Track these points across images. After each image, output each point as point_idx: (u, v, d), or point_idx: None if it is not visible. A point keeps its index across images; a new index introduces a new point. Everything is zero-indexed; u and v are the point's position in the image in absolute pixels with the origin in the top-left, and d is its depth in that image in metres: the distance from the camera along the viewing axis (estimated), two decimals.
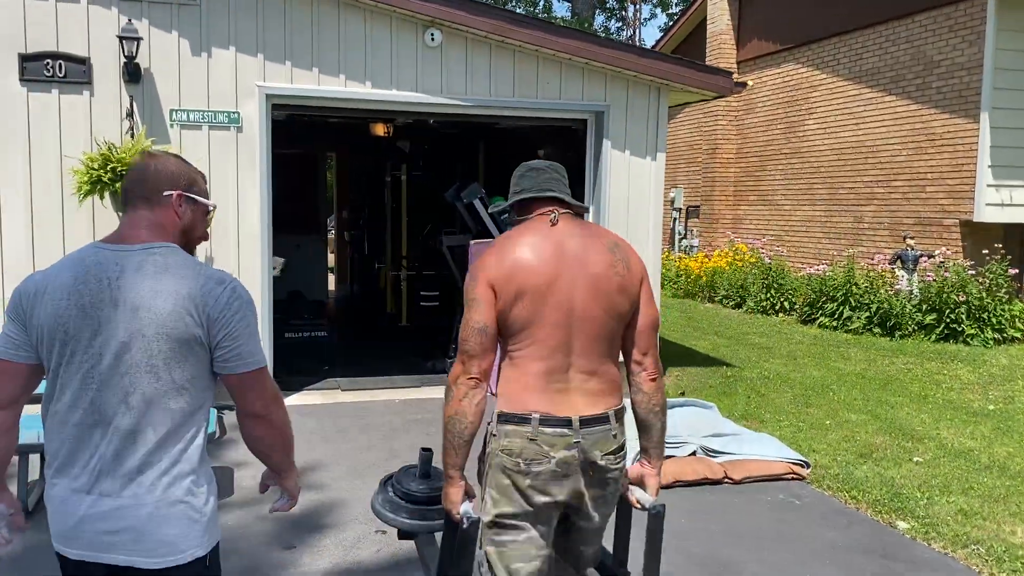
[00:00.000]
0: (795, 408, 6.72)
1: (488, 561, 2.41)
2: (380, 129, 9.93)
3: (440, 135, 10.33)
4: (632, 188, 7.35)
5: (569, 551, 2.56)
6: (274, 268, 7.02)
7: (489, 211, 7.38)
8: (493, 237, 7.60)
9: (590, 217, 7.46)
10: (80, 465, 1.88)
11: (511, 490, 2.35)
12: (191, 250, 2.03)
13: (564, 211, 2.43)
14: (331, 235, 14.09)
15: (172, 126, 6.25)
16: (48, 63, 5.93)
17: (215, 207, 2.17)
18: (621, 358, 2.47)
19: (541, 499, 2.35)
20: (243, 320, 1.90)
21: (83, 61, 5.99)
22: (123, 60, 5.99)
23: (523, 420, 2.32)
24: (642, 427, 2.48)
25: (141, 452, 1.86)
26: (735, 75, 12.74)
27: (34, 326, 1.89)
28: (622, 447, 2.43)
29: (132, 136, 6.08)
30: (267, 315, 6.55)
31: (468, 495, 2.39)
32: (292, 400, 6.69)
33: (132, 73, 6.02)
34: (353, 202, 13.00)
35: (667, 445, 3.28)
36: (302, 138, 9.79)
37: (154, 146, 6.05)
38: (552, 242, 2.36)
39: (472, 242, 7.24)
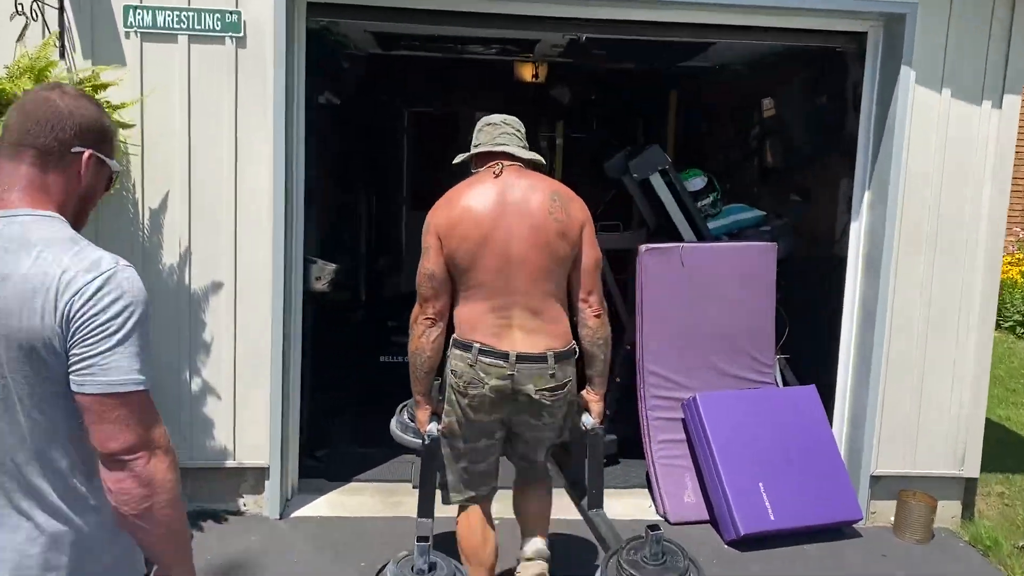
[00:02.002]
0: None
1: (445, 462, 2.81)
2: (526, 72, 6.98)
3: (614, 80, 7.22)
4: (950, 156, 3.97)
5: (516, 454, 2.94)
6: (317, 279, 4.29)
7: (676, 190, 4.30)
8: (682, 236, 4.46)
9: (864, 202, 4.15)
10: None
11: (456, 406, 2.73)
12: (83, 222, 1.55)
13: (511, 163, 2.72)
14: None
15: (127, 35, 3.62)
16: None
17: (119, 172, 1.62)
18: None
19: (478, 416, 2.72)
20: (113, 321, 1.35)
21: None
22: None
23: (467, 347, 2.66)
24: (587, 358, 2.79)
25: None
26: None
27: None
28: (563, 386, 2.71)
29: (61, 55, 3.52)
30: (280, 339, 3.85)
31: (435, 416, 2.82)
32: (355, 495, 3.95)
33: None
34: None
35: None
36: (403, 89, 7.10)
37: (99, 69, 3.46)
38: (494, 192, 2.65)
39: (644, 247, 4.19)
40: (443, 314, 2.69)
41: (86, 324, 1.34)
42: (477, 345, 2.64)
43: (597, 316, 2.74)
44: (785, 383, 4.49)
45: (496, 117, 2.85)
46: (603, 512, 2.87)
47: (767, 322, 4.33)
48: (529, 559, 2.90)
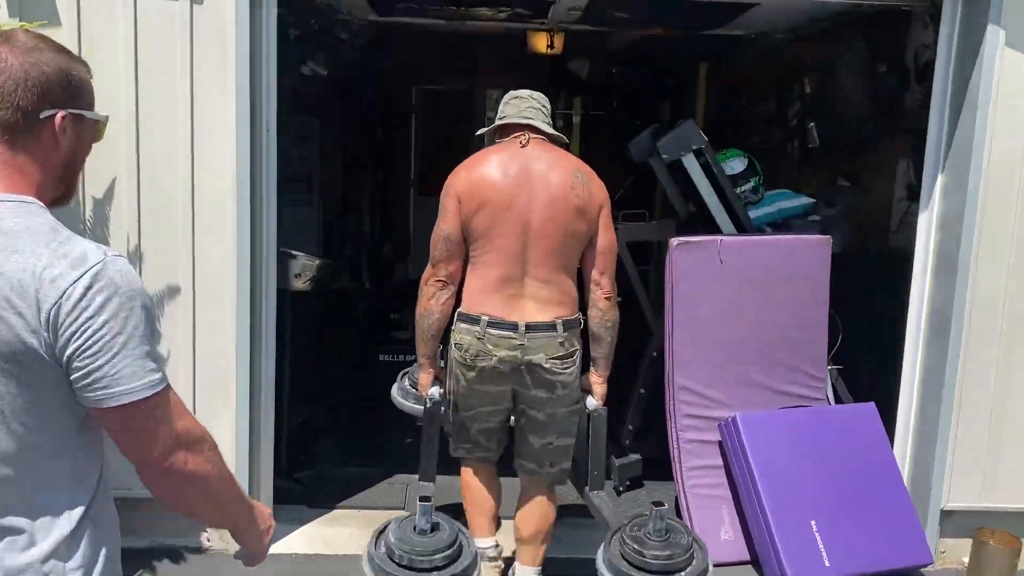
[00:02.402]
0: None
1: (456, 425, 2.81)
2: (541, 43, 6.35)
3: (637, 51, 6.57)
4: None
5: (520, 439, 2.84)
6: (297, 276, 3.73)
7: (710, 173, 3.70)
8: (718, 227, 3.85)
9: (936, 190, 3.51)
10: None
11: (462, 378, 2.72)
12: (69, 193, 1.42)
13: (537, 136, 2.72)
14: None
15: None
16: None
17: (107, 118, 1.41)
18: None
19: (484, 387, 2.72)
20: (111, 323, 1.21)
21: None
22: None
23: (474, 321, 2.65)
24: (593, 339, 2.79)
25: None
26: None
27: None
28: (571, 355, 2.70)
29: None
30: (248, 351, 3.30)
31: (438, 380, 2.83)
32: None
33: None
34: None
35: None
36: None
37: (27, 26, 2.87)
38: (518, 162, 2.65)
39: (675, 241, 3.57)
40: (454, 277, 2.68)
41: (81, 332, 1.20)
42: (486, 318, 2.63)
43: (608, 298, 2.75)
44: (838, 399, 3.88)
45: (524, 92, 2.84)
46: (604, 495, 2.89)
47: (819, 329, 3.71)
48: None
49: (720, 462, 3.59)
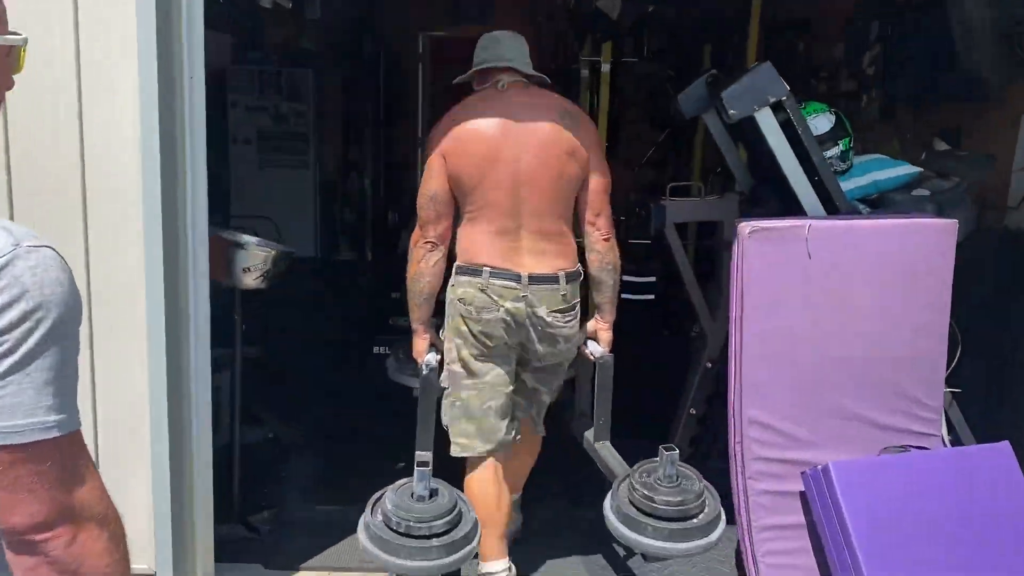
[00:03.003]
0: None
1: (459, 403, 2.60)
2: None
3: None
4: None
5: (526, 390, 2.71)
6: (247, 270, 2.85)
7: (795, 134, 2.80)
8: (799, 206, 2.92)
9: None
10: None
11: (468, 335, 2.54)
12: None
13: (517, 79, 2.60)
14: None
15: None
16: None
17: (25, 40, 1.09)
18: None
19: (492, 341, 2.54)
20: (7, 335, 0.94)
21: None
22: None
23: (476, 272, 2.52)
24: (595, 284, 2.69)
25: None
26: None
27: None
28: (572, 308, 2.62)
29: None
30: (163, 381, 2.42)
31: (434, 347, 2.68)
32: None
33: None
34: None
35: None
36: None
37: None
38: (500, 110, 2.51)
39: (746, 226, 2.65)
40: (444, 238, 2.58)
41: None
42: (488, 269, 2.53)
43: (606, 240, 2.65)
44: (951, 431, 2.98)
45: (499, 33, 2.70)
46: (610, 445, 2.75)
47: (938, 344, 2.80)
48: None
49: (803, 520, 2.72)
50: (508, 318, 2.53)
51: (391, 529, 2.22)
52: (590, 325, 2.77)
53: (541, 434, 2.88)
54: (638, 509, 2.36)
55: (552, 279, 2.55)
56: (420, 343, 2.69)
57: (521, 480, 2.94)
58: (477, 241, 2.55)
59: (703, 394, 3.28)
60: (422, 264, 2.56)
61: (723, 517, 2.40)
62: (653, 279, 5.68)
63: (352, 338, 5.16)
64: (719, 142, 3.26)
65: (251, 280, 2.84)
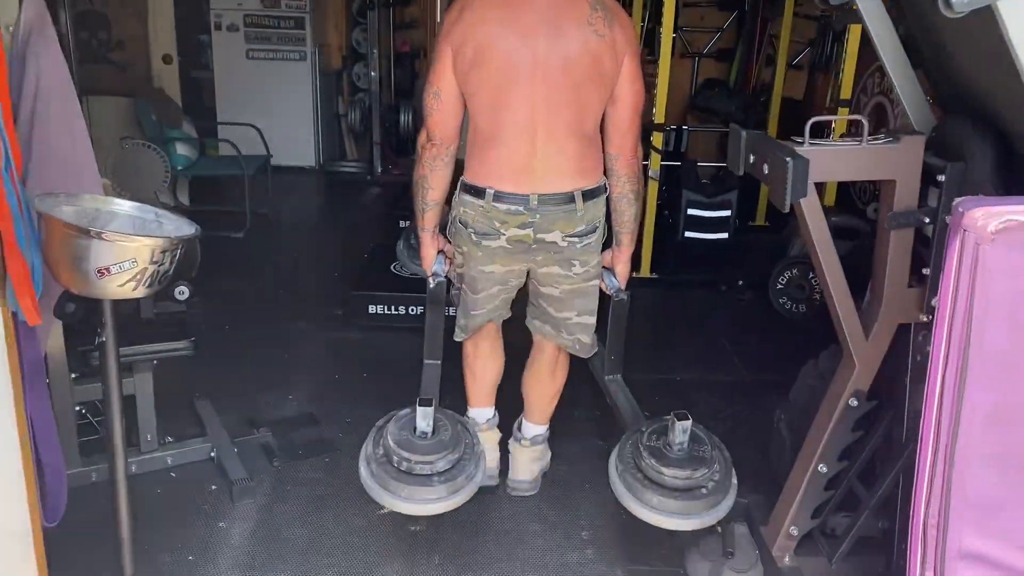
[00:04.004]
0: None
1: (459, 305, 2.51)
2: None
3: None
4: None
5: (536, 306, 2.52)
6: (102, 270, 1.70)
7: None
8: None
9: None
10: None
11: (469, 257, 2.38)
12: None
13: None
14: None
15: None
16: None
17: None
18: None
19: (492, 267, 2.37)
20: None
21: None
22: None
23: (479, 193, 2.28)
24: (615, 213, 2.42)
25: None
26: None
27: None
28: (592, 231, 2.35)
29: None
30: None
31: (443, 252, 2.49)
32: None
33: None
34: None
35: None
36: None
37: None
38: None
39: (982, 213, 1.44)
40: (450, 141, 2.29)
41: None
42: (491, 190, 2.25)
43: (631, 167, 2.33)
44: None
45: None
46: (620, 379, 2.68)
47: None
48: (522, 441, 2.68)
49: None
50: (511, 246, 2.32)
51: (393, 466, 2.18)
52: (605, 256, 2.48)
53: (566, 361, 2.64)
54: (645, 476, 2.21)
55: (567, 199, 2.27)
56: (426, 251, 2.48)
57: (547, 406, 2.69)
58: (484, 156, 2.27)
59: (838, 444, 2.15)
60: (427, 170, 2.32)
61: (734, 486, 2.25)
62: (727, 213, 4.48)
63: (343, 289, 4.06)
64: (881, 49, 2.03)
65: (118, 287, 1.71)
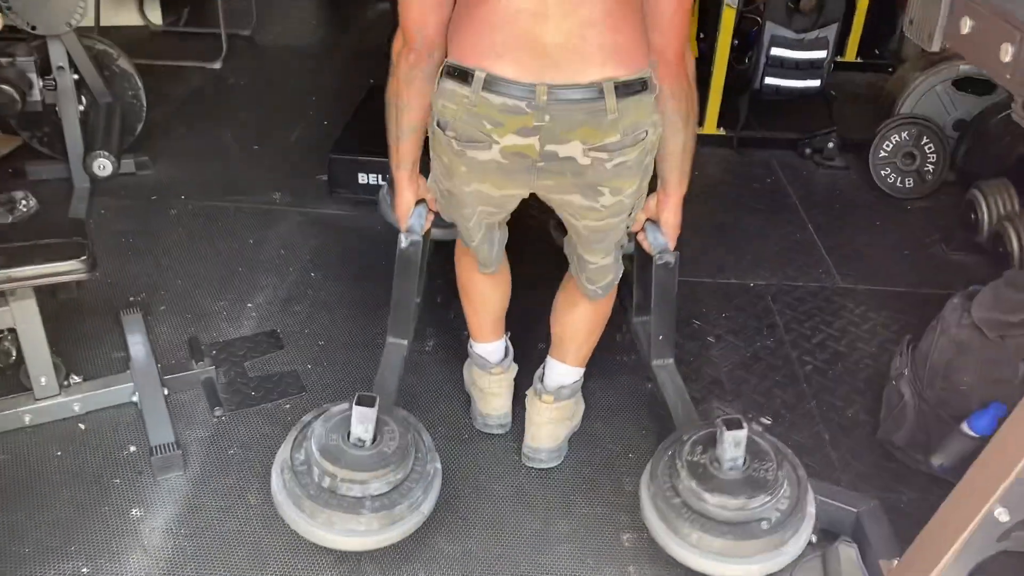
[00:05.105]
0: None
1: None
2: None
3: None
4: None
5: (568, 245, 1.87)
6: None
7: None
8: None
9: None
10: None
11: (450, 171, 1.68)
12: None
13: None
14: None
15: None
16: None
17: None
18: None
19: (483, 187, 1.66)
20: None
21: None
22: None
23: (463, 77, 1.55)
24: (660, 141, 1.68)
25: None
26: None
27: None
28: (634, 143, 1.59)
29: None
30: None
31: (423, 202, 1.86)
32: None
33: None
34: None
35: None
36: None
37: None
38: None
39: None
40: (432, 46, 1.63)
41: None
42: (483, 74, 1.52)
43: (680, 77, 1.62)
44: None
45: None
46: (672, 365, 2.00)
47: None
48: (543, 396, 1.98)
49: None
50: (507, 161, 1.58)
51: (313, 481, 1.62)
52: (649, 202, 1.82)
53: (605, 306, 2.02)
54: (683, 502, 1.66)
55: (592, 92, 1.51)
56: (403, 196, 1.84)
57: (583, 342, 2.03)
58: (474, 25, 1.54)
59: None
60: (402, 83, 1.68)
61: (810, 516, 1.66)
62: (822, 55, 3.52)
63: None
64: None
65: None
